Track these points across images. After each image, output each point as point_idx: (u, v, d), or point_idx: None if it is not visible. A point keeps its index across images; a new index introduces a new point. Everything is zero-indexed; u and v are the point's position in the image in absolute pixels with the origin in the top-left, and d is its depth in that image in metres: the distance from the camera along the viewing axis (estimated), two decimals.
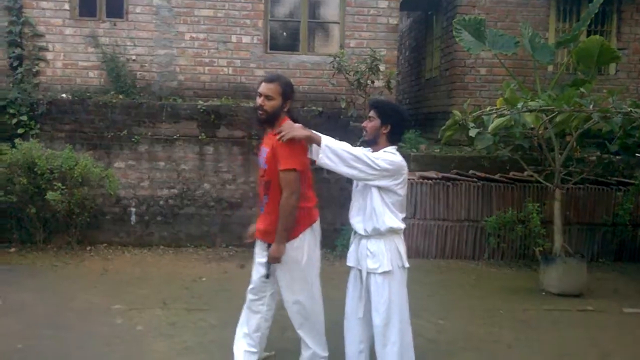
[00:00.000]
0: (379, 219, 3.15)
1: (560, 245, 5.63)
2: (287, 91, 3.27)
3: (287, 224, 3.18)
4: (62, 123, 6.91)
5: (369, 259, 3.18)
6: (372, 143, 3.26)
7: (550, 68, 7.75)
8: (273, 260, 3.24)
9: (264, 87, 3.24)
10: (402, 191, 3.21)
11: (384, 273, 3.15)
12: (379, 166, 3.08)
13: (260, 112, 3.26)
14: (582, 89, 5.32)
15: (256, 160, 6.92)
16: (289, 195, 3.14)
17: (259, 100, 3.24)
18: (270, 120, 3.25)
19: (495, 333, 4.35)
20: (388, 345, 3.17)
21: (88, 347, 3.82)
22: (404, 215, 3.26)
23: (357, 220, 3.26)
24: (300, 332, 3.40)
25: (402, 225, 3.22)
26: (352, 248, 3.36)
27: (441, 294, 5.33)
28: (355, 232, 3.31)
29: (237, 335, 3.51)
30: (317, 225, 3.40)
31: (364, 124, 3.30)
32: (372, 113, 3.23)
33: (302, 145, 3.19)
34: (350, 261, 3.35)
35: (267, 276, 3.35)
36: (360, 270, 3.26)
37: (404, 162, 3.21)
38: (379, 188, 3.14)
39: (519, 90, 5.97)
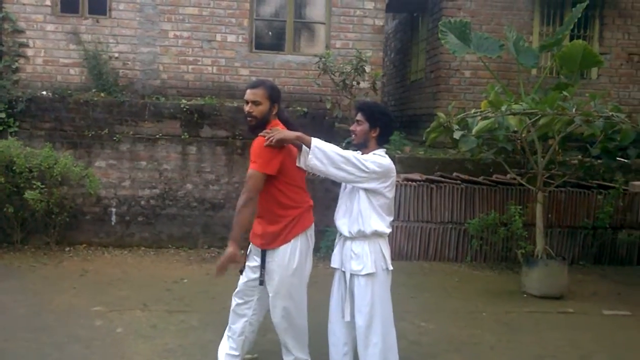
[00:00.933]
0: (365, 222, 3.14)
1: (542, 247, 5.67)
2: (274, 94, 3.25)
3: (235, 223, 3.18)
4: (42, 121, 6.79)
5: (353, 260, 3.17)
6: (362, 147, 3.25)
7: (534, 71, 7.82)
8: (224, 261, 3.18)
9: (249, 94, 3.21)
10: (390, 194, 3.20)
11: (368, 275, 3.14)
12: (368, 168, 3.06)
13: (249, 119, 3.23)
14: (565, 93, 5.37)
15: (239, 160, 6.90)
16: (241, 195, 3.15)
17: (247, 108, 3.21)
18: (261, 125, 3.21)
19: (477, 335, 4.36)
20: (370, 346, 3.15)
21: (67, 349, 3.75)
22: (391, 218, 3.26)
23: (342, 222, 3.24)
24: (284, 337, 3.36)
25: (388, 230, 3.22)
26: (336, 250, 3.34)
27: (424, 296, 5.34)
28: (340, 234, 3.29)
29: (223, 337, 3.48)
30: (311, 231, 3.35)
31: (352, 128, 3.28)
32: (359, 116, 3.22)
33: (275, 150, 3.11)
34: (335, 263, 3.33)
35: (261, 282, 3.28)
36: (344, 272, 3.24)
37: (392, 165, 3.20)
38: (367, 190, 3.13)
39: (503, 93, 6.00)
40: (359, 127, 3.21)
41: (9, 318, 4.27)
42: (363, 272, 3.13)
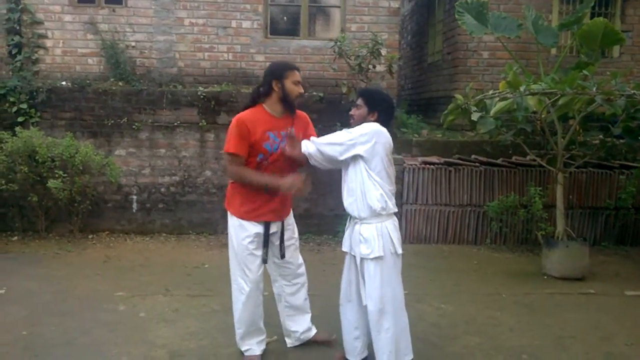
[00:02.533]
0: (370, 195, 3.16)
1: (563, 228, 5.62)
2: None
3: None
4: (62, 111, 6.89)
5: (361, 244, 3.19)
6: None
7: (553, 51, 7.68)
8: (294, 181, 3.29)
9: (299, 74, 3.40)
10: (383, 152, 3.17)
11: (376, 259, 3.15)
12: (351, 132, 3.18)
13: (300, 98, 3.41)
14: (585, 72, 5.27)
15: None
16: None
17: (300, 89, 3.38)
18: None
19: (497, 317, 4.35)
20: (382, 332, 3.18)
21: (92, 333, 3.84)
22: (392, 188, 3.26)
23: (349, 202, 3.25)
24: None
25: (393, 207, 3.23)
26: (346, 233, 3.37)
27: (443, 279, 5.34)
28: (350, 217, 3.32)
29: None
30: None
31: (351, 112, 3.34)
32: (359, 101, 3.30)
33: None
34: (345, 246, 3.38)
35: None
36: (354, 256, 3.27)
37: (382, 129, 3.21)
38: (363, 159, 3.14)
39: (521, 73, 5.91)
40: (358, 110, 3.29)
41: (36, 304, 4.38)
42: (371, 256, 3.15)
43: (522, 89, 5.06)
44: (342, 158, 3.19)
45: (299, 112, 3.48)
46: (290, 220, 3.62)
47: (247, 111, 3.33)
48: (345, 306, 3.41)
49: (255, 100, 3.38)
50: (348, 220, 3.37)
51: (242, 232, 3.38)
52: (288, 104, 3.35)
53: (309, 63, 7.41)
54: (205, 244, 6.53)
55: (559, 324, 4.22)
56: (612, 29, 5.90)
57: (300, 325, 3.68)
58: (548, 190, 6.45)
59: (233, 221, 3.43)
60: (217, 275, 5.28)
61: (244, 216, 3.38)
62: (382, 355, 3.18)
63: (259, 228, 3.39)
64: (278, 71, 3.35)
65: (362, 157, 3.15)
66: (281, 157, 3.33)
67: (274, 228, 3.47)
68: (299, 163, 3.37)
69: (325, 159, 3.24)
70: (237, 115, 3.30)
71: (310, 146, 3.27)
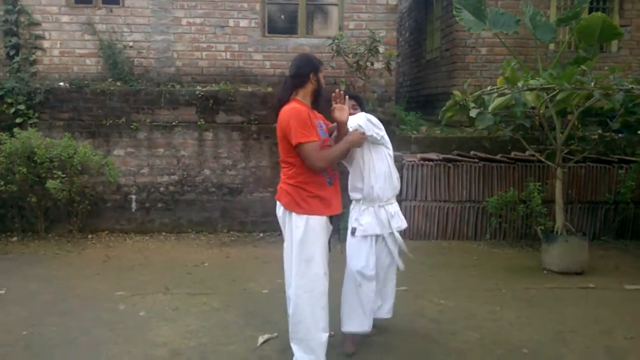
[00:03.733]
0: (393, 177, 3.67)
1: (562, 223, 5.62)
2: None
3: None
4: (61, 111, 6.89)
5: (394, 218, 3.66)
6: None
7: (551, 46, 7.68)
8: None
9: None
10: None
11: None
12: (372, 120, 3.56)
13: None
14: (583, 67, 5.26)
15: (255, 145, 6.92)
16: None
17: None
18: None
19: (497, 312, 4.35)
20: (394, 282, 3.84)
21: (93, 332, 3.84)
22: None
23: (379, 186, 3.57)
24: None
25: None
26: (369, 219, 3.57)
27: (443, 275, 5.34)
28: (363, 205, 3.60)
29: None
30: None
31: (351, 112, 3.57)
32: (353, 103, 3.68)
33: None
34: (374, 230, 3.58)
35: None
36: (381, 235, 3.61)
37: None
38: (385, 145, 3.64)
39: (519, 69, 5.91)
40: (355, 111, 3.67)
41: (36, 304, 4.38)
42: (404, 226, 3.75)
43: (520, 84, 5.06)
44: (379, 141, 3.55)
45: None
46: None
47: (292, 103, 3.25)
48: (368, 285, 3.55)
49: (289, 93, 3.30)
50: (361, 209, 3.59)
51: (323, 230, 3.25)
52: (319, 96, 3.35)
53: None
54: (204, 243, 6.53)
55: (558, 319, 4.22)
56: (610, 23, 5.90)
57: None
58: (547, 185, 6.45)
59: (315, 221, 3.21)
60: (216, 274, 5.29)
61: (324, 212, 3.25)
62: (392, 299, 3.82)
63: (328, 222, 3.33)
64: (313, 64, 3.31)
65: (384, 143, 3.60)
66: (327, 146, 3.32)
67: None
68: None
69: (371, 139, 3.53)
70: (290, 107, 3.19)
71: (354, 121, 3.43)
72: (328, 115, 3.36)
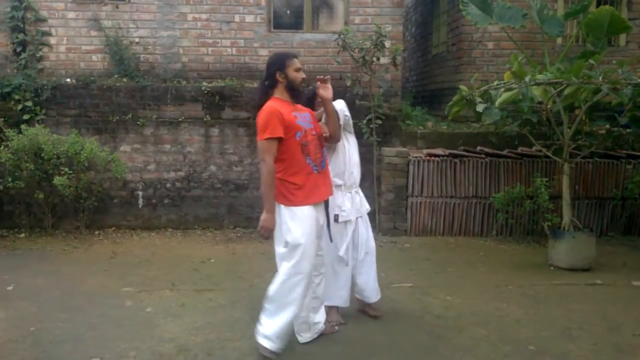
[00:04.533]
0: (359, 165, 4.01)
1: (569, 219, 5.59)
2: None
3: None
4: (67, 108, 6.91)
5: (365, 203, 4.00)
6: None
7: (559, 40, 7.61)
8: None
9: (297, 61, 3.53)
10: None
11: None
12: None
13: (304, 83, 3.57)
14: (591, 61, 5.22)
15: None
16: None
17: (302, 75, 3.53)
18: None
19: (503, 308, 4.34)
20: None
21: (100, 328, 3.86)
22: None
23: (357, 173, 3.95)
24: None
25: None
26: (350, 205, 3.84)
27: (449, 271, 5.33)
28: (342, 191, 3.84)
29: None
30: None
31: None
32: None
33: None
34: (353, 215, 3.87)
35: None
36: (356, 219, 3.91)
37: None
38: (352, 134, 4.07)
39: (526, 63, 5.87)
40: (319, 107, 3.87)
41: (44, 300, 4.41)
42: (368, 210, 4.06)
43: (527, 79, 5.03)
44: (350, 126, 3.93)
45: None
46: None
47: (268, 102, 3.42)
48: (345, 268, 3.86)
49: (266, 94, 3.48)
50: (343, 195, 3.81)
51: (311, 219, 3.40)
52: (294, 91, 3.48)
53: (313, 56, 7.38)
54: (211, 239, 6.55)
55: (566, 315, 4.20)
56: (619, 17, 5.84)
57: (321, 316, 3.71)
58: (554, 181, 6.42)
59: (302, 212, 3.38)
60: (223, 270, 5.30)
61: (304, 202, 3.40)
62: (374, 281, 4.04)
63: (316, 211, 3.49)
64: (279, 62, 3.47)
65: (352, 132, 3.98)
66: (311, 135, 3.46)
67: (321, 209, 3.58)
68: (328, 134, 3.61)
69: (345, 123, 3.81)
70: (264, 107, 3.38)
71: (338, 104, 3.77)
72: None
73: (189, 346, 3.58)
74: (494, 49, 7.82)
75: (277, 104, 3.38)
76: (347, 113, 3.85)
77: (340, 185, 3.83)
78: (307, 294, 3.45)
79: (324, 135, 3.58)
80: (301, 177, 3.38)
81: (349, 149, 3.88)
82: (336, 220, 3.78)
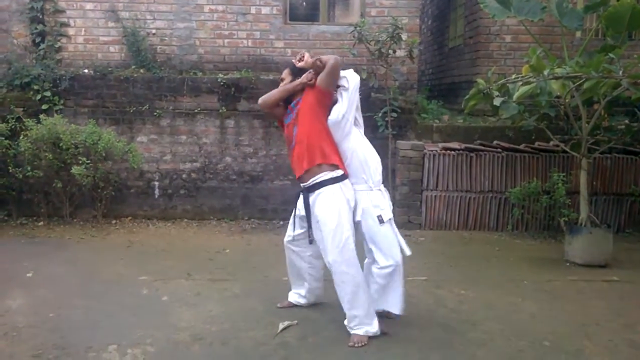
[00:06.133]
0: None
1: (586, 215, 5.54)
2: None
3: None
4: (85, 98, 6.98)
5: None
6: None
7: (578, 34, 7.50)
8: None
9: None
10: None
11: None
12: None
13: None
14: (611, 55, 5.14)
15: (276, 133, 6.93)
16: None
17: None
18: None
19: (518, 303, 4.32)
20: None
21: (116, 316, 3.91)
22: None
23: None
24: None
25: None
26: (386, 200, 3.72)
27: (463, 265, 5.31)
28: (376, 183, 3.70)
29: None
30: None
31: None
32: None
33: None
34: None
35: (311, 242, 3.69)
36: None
37: None
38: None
39: (545, 57, 5.80)
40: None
41: (62, 287, 4.48)
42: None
43: (545, 72, 4.96)
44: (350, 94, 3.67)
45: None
46: None
47: None
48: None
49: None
50: (374, 193, 3.63)
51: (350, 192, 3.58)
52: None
53: (329, 48, 7.36)
54: (226, 230, 6.60)
55: (581, 311, 4.17)
56: None
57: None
58: (571, 176, 6.35)
59: (345, 183, 3.56)
60: (237, 260, 5.34)
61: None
62: None
63: None
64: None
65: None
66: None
67: None
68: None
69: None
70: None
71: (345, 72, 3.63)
72: None
73: (204, 335, 3.62)
74: (512, 42, 7.74)
75: None
76: (347, 83, 3.58)
77: (367, 186, 3.62)
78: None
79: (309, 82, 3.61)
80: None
81: (364, 147, 3.65)
82: (382, 221, 3.58)
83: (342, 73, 3.57)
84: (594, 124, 5.61)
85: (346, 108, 3.53)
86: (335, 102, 3.59)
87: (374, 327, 3.51)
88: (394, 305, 3.65)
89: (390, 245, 3.59)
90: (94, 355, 3.30)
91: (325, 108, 3.58)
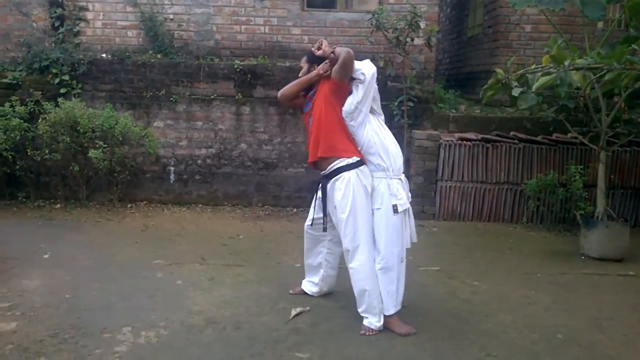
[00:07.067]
0: None
1: (603, 208, 5.47)
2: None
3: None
4: (103, 82, 7.03)
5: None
6: None
7: (600, 24, 7.37)
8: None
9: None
10: None
11: None
12: None
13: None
14: (634, 46, 5.04)
15: (291, 120, 6.92)
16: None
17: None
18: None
19: (531, 296, 4.30)
20: None
21: (131, 298, 3.96)
22: None
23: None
24: None
25: None
26: (404, 190, 3.64)
27: (477, 256, 5.29)
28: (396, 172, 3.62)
29: None
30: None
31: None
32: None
33: None
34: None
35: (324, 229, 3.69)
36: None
37: None
38: None
39: (566, 47, 5.70)
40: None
41: (78, 269, 4.54)
42: None
43: (566, 63, 4.89)
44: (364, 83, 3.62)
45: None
46: None
47: None
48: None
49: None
50: (393, 182, 3.54)
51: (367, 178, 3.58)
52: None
53: (346, 36, 7.32)
54: (240, 216, 6.63)
55: (596, 305, 4.14)
56: None
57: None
58: (589, 169, 6.27)
59: (362, 170, 3.56)
60: (251, 246, 5.37)
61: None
62: None
63: None
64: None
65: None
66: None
67: None
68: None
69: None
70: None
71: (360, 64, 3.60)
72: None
73: (217, 319, 3.66)
74: (532, 32, 7.62)
75: None
76: (362, 76, 3.53)
77: (386, 174, 3.54)
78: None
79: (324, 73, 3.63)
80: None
81: (382, 134, 3.60)
82: (396, 211, 3.47)
83: (357, 65, 3.52)
84: (614, 116, 5.52)
85: (360, 98, 3.49)
86: (350, 92, 3.56)
87: (380, 320, 3.51)
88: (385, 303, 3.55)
89: (392, 242, 3.48)
90: (109, 336, 3.35)
91: (341, 98, 3.56)
